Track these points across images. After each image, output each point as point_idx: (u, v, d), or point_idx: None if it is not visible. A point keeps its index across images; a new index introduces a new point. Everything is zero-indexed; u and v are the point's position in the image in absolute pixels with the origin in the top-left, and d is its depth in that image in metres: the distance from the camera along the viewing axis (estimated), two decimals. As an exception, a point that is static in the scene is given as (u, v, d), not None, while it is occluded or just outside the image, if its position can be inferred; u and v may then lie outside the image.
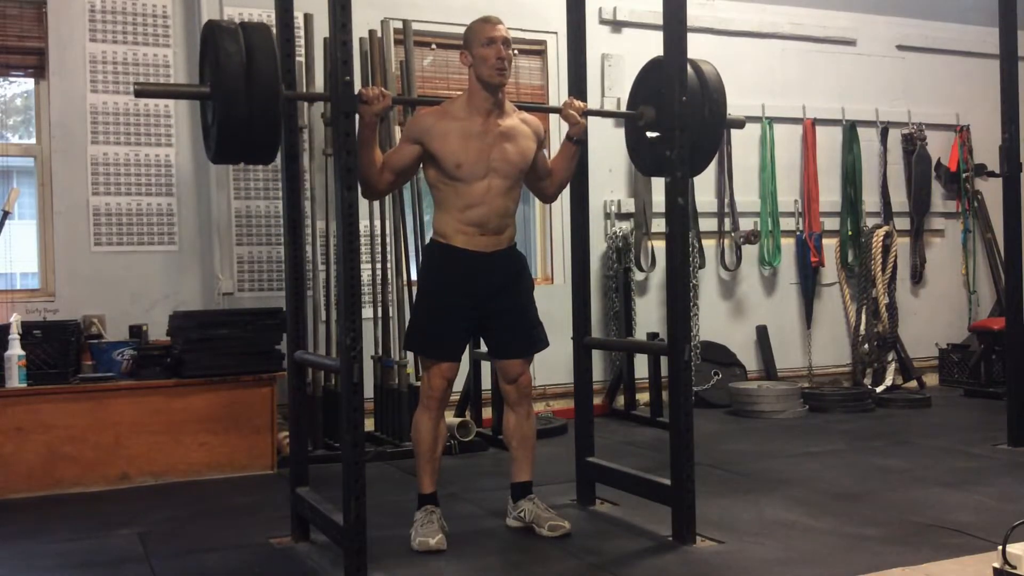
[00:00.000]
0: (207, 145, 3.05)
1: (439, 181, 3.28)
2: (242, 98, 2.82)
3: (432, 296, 3.35)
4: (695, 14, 4.75)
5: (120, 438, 4.33)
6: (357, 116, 2.94)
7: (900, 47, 7.13)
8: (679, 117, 3.28)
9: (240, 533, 3.53)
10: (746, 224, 6.52)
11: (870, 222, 6.90)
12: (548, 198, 3.65)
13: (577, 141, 3.48)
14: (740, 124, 4.08)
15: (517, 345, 3.41)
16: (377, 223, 5.09)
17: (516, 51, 3.27)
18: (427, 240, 3.55)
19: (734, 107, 6.43)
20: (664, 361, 3.56)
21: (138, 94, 3.00)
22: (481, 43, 3.22)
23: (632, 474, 3.64)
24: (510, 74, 3.29)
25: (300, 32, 4.85)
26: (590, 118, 3.61)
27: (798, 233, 6.73)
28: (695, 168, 3.60)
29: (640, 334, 5.93)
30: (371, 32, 5.14)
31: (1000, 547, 2.54)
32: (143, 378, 4.47)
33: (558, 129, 5.90)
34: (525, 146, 3.35)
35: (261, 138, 2.91)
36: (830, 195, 6.84)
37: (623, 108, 6.11)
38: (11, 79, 5.27)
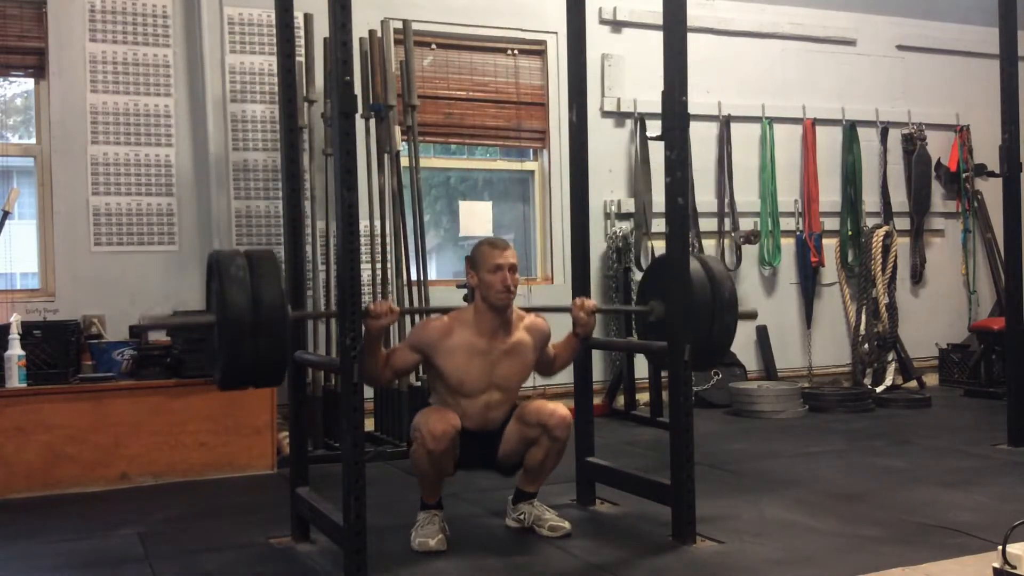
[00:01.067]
0: (214, 371, 3.02)
1: (439, 387, 3.34)
2: (247, 327, 2.80)
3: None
4: (695, 14, 4.74)
5: (120, 438, 4.33)
6: (364, 328, 2.93)
7: (900, 47, 7.14)
8: (680, 117, 3.27)
9: (240, 533, 3.53)
10: (746, 224, 6.52)
11: (870, 222, 6.90)
12: (546, 376, 3.69)
13: (584, 338, 3.53)
14: (753, 316, 4.09)
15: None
16: (377, 223, 5.09)
17: (516, 273, 3.31)
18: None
19: (734, 107, 6.53)
20: (664, 361, 3.56)
21: (144, 328, 3.00)
22: (488, 269, 3.25)
23: (632, 474, 3.64)
24: (515, 295, 3.31)
25: (300, 32, 4.85)
26: (590, 119, 3.60)
27: (798, 233, 6.73)
28: (701, 368, 3.61)
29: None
30: (371, 32, 5.14)
31: (1000, 547, 2.54)
32: (143, 378, 4.47)
33: (558, 130, 5.92)
34: (528, 360, 3.40)
35: (268, 364, 2.89)
36: (830, 195, 6.84)
37: (622, 107, 6.19)
38: (11, 79, 5.26)
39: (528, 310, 3.48)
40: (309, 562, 3.16)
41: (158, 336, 4.78)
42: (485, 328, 3.30)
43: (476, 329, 3.30)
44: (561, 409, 3.31)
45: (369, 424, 4.78)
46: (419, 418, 3.22)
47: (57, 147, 4.93)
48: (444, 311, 3.42)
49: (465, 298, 3.47)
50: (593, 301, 3.51)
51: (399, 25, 5.27)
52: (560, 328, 3.54)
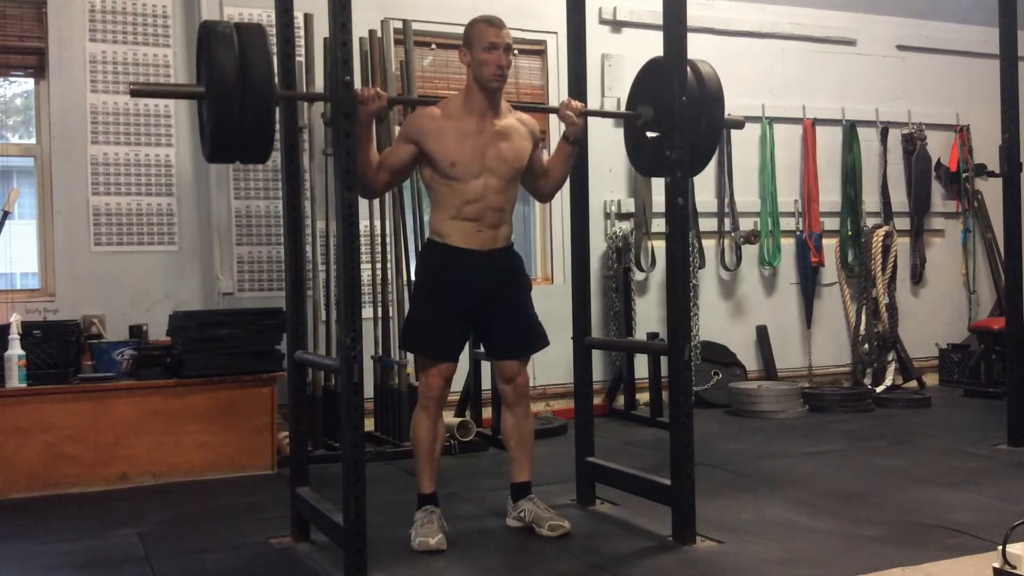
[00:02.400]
0: (203, 144, 3.06)
1: (435, 180, 3.29)
2: (235, 98, 2.81)
3: (429, 295, 3.35)
4: (695, 14, 4.73)
5: (120, 438, 4.33)
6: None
7: (900, 47, 7.13)
8: (679, 117, 3.27)
9: (240, 533, 3.53)
10: (746, 224, 6.52)
11: (870, 222, 6.90)
12: (544, 197, 3.66)
13: (574, 141, 3.47)
14: (740, 124, 4.08)
15: (514, 345, 3.41)
16: (377, 223, 5.09)
17: (516, 52, 3.26)
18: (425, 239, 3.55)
19: (734, 107, 6.44)
20: (664, 361, 3.56)
21: (134, 94, 3.01)
22: (483, 47, 3.22)
23: (632, 474, 3.64)
24: (508, 77, 3.29)
25: (300, 32, 4.85)
26: (590, 119, 3.60)
27: (798, 233, 6.73)
28: (694, 169, 3.60)
29: (640, 334, 5.93)
30: (371, 32, 5.14)
31: (1000, 547, 2.54)
32: (143, 378, 4.47)
33: (557, 130, 5.91)
34: (521, 145, 3.36)
35: (255, 136, 2.90)
36: (830, 195, 6.84)
37: (623, 108, 6.16)
38: (11, 79, 5.27)
39: (516, 107, 3.47)
40: (309, 562, 3.16)
41: (158, 336, 4.78)
42: (475, 107, 3.27)
43: (466, 108, 3.27)
44: (520, 377, 3.39)
45: (369, 424, 4.78)
46: (420, 362, 3.35)
47: (57, 147, 4.93)
48: (433, 102, 3.39)
49: None
50: (580, 103, 3.48)
51: (399, 25, 5.27)
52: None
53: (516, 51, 3.30)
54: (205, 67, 2.87)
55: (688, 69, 3.41)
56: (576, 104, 3.44)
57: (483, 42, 3.22)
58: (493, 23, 3.28)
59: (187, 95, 3.52)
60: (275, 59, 3.17)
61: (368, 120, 3.10)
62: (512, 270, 3.41)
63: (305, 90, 4.97)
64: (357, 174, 2.90)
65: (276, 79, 2.97)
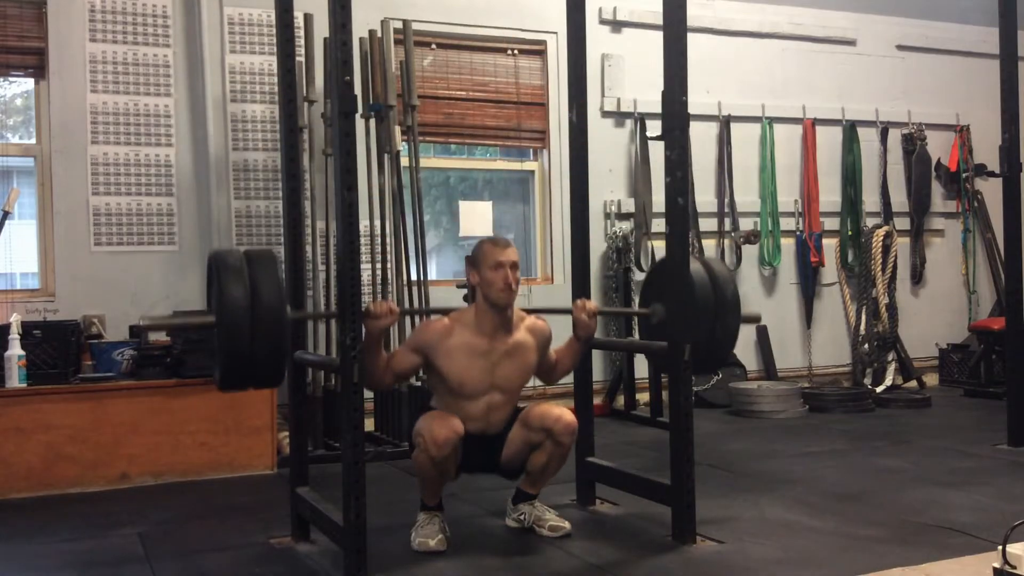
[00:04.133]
0: (214, 371, 3.02)
1: (440, 389, 3.34)
2: (246, 329, 2.78)
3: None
4: (695, 14, 4.74)
5: (120, 438, 4.33)
6: (364, 329, 2.94)
7: (900, 47, 7.14)
8: (679, 118, 3.27)
9: (240, 533, 3.53)
10: (746, 224, 6.52)
11: (870, 222, 6.90)
12: (550, 383, 3.69)
13: (585, 341, 3.52)
14: (756, 320, 4.07)
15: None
16: (377, 223, 5.09)
17: (517, 271, 3.29)
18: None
19: (734, 107, 6.53)
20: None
21: (145, 329, 3.00)
22: (489, 266, 3.24)
23: (632, 474, 3.64)
24: (517, 294, 3.29)
25: (300, 32, 4.85)
26: (591, 114, 3.58)
27: (798, 233, 6.73)
28: (706, 370, 3.60)
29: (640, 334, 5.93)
30: (371, 32, 5.14)
31: (1000, 547, 2.54)
32: (143, 378, 4.47)
33: (558, 130, 5.91)
34: (529, 361, 3.38)
35: (266, 366, 2.88)
36: (830, 195, 6.84)
37: (622, 107, 6.19)
38: (11, 79, 5.26)
39: (529, 311, 3.47)
40: (309, 562, 3.16)
41: (158, 336, 4.78)
42: (486, 328, 3.28)
43: (477, 329, 3.28)
44: (567, 415, 3.30)
45: (369, 424, 4.78)
46: (421, 423, 3.21)
47: (57, 147, 4.93)
48: (445, 312, 3.41)
49: (465, 298, 3.46)
50: (595, 303, 3.49)
51: (399, 25, 5.27)
52: (561, 331, 3.53)
53: (517, 267, 3.30)
54: (215, 297, 2.86)
55: (702, 270, 3.43)
56: (591, 306, 3.44)
57: (489, 261, 3.24)
58: (497, 243, 3.31)
59: (199, 326, 3.50)
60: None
61: (379, 335, 3.12)
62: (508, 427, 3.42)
63: (305, 90, 4.98)
64: (364, 376, 2.89)
65: (287, 305, 2.95)
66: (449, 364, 3.25)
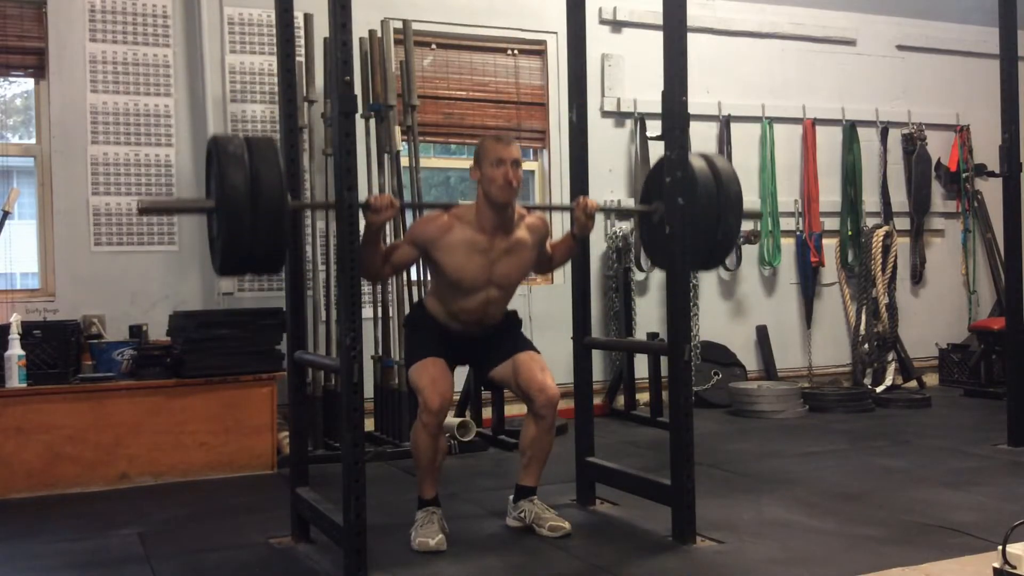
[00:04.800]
0: (213, 257, 3.02)
1: (438, 279, 3.36)
2: (247, 212, 2.79)
3: (420, 333, 3.42)
4: (695, 14, 4.74)
5: (120, 438, 4.33)
6: (364, 222, 2.98)
7: (900, 47, 7.14)
8: (679, 118, 3.27)
9: (240, 533, 3.53)
10: (746, 224, 6.51)
11: (870, 222, 6.90)
12: (542, 273, 3.71)
13: (581, 240, 3.55)
14: (757, 216, 4.00)
15: (516, 345, 3.43)
16: (377, 223, 5.08)
17: (521, 168, 3.31)
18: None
19: (734, 107, 6.52)
20: (664, 361, 3.56)
21: (142, 212, 3.01)
22: (491, 162, 3.24)
23: (632, 474, 3.64)
24: (518, 192, 3.30)
25: (300, 32, 4.85)
26: (591, 114, 3.58)
27: (798, 233, 6.73)
28: (708, 267, 3.60)
29: (640, 334, 5.93)
30: (371, 32, 5.14)
31: (1000, 547, 2.54)
32: (143, 378, 4.47)
33: (558, 129, 5.91)
34: (527, 258, 3.41)
35: (266, 251, 2.88)
36: (830, 195, 6.84)
37: (622, 107, 6.19)
38: (11, 79, 5.27)
39: (529, 208, 3.47)
40: (309, 562, 3.16)
41: (158, 336, 4.78)
42: (486, 225, 3.29)
43: (477, 226, 3.29)
44: (549, 389, 3.32)
45: (369, 424, 4.78)
46: (418, 376, 3.25)
47: (57, 147, 4.93)
48: (446, 207, 3.40)
49: None
50: (595, 202, 3.47)
51: (399, 25, 5.27)
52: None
53: (520, 161, 3.31)
54: (215, 181, 2.86)
55: (706, 166, 3.41)
56: (591, 204, 3.43)
57: (490, 158, 3.24)
58: (500, 139, 3.31)
59: (198, 210, 3.51)
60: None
61: (379, 228, 3.13)
62: (503, 321, 3.47)
63: (305, 90, 4.98)
64: (362, 268, 2.94)
65: (287, 192, 2.96)
66: (448, 259, 3.26)
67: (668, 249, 3.32)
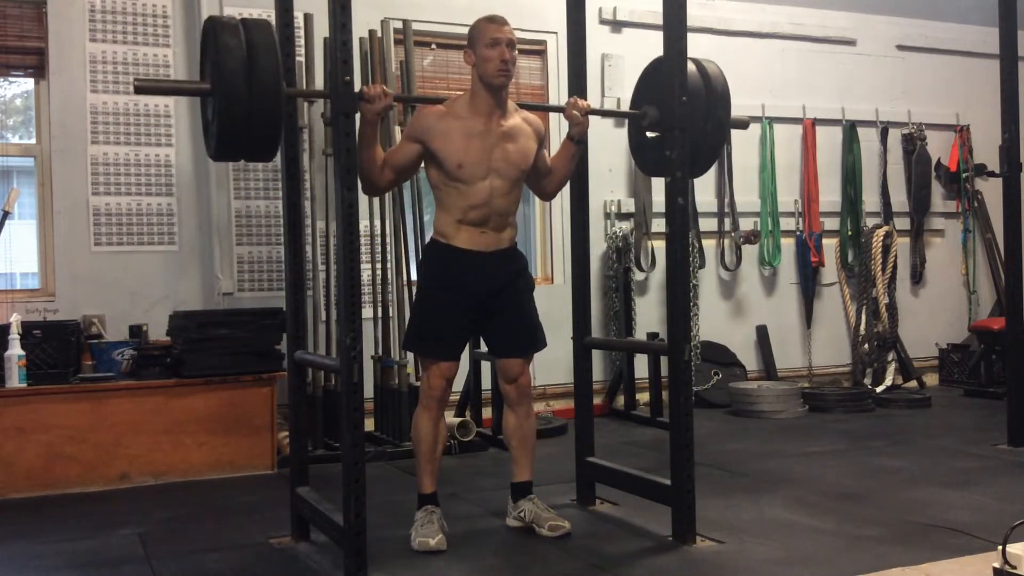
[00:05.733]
0: (207, 142, 3.05)
1: (440, 181, 3.29)
2: (243, 94, 2.81)
3: (431, 295, 3.35)
4: (695, 14, 4.74)
5: (120, 438, 4.33)
6: (358, 114, 2.94)
7: (900, 47, 7.14)
8: (679, 117, 3.27)
9: (240, 533, 3.53)
10: (746, 224, 6.52)
11: (870, 222, 6.90)
12: (547, 196, 3.64)
13: (579, 141, 3.47)
14: (744, 125, 4.01)
15: (517, 344, 3.41)
16: (377, 223, 5.09)
17: (518, 52, 3.26)
18: (427, 239, 3.55)
19: (734, 107, 6.45)
20: (664, 361, 3.56)
21: (138, 90, 2.99)
22: (485, 43, 3.21)
23: (632, 474, 3.64)
24: (513, 75, 3.28)
25: (300, 32, 4.85)
26: (593, 119, 3.59)
27: (798, 233, 6.73)
28: (698, 169, 3.61)
29: (640, 334, 5.93)
30: (371, 32, 5.14)
31: (1000, 547, 2.54)
32: (143, 378, 4.47)
33: (559, 128, 5.91)
34: (527, 146, 3.34)
35: (262, 134, 2.89)
36: (830, 195, 6.84)
37: (622, 107, 6.17)
38: (11, 79, 5.26)
39: (521, 106, 3.46)
40: (309, 562, 3.16)
41: (158, 336, 4.78)
42: (481, 108, 3.25)
43: (472, 109, 3.26)
44: (523, 379, 3.40)
45: (369, 424, 4.78)
46: (420, 356, 3.33)
47: (57, 147, 4.93)
48: (439, 101, 3.38)
49: None
50: (587, 101, 3.45)
51: (399, 25, 5.27)
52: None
53: (518, 50, 3.27)
54: (211, 63, 2.86)
55: (694, 68, 3.41)
56: (582, 103, 3.41)
57: (485, 39, 3.21)
58: (495, 20, 3.27)
59: (193, 92, 3.51)
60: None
61: (374, 119, 3.09)
62: (516, 270, 3.40)
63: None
64: (360, 171, 2.90)
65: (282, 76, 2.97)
66: (446, 145, 3.21)
67: (662, 159, 3.36)
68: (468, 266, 3.28)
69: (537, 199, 6.12)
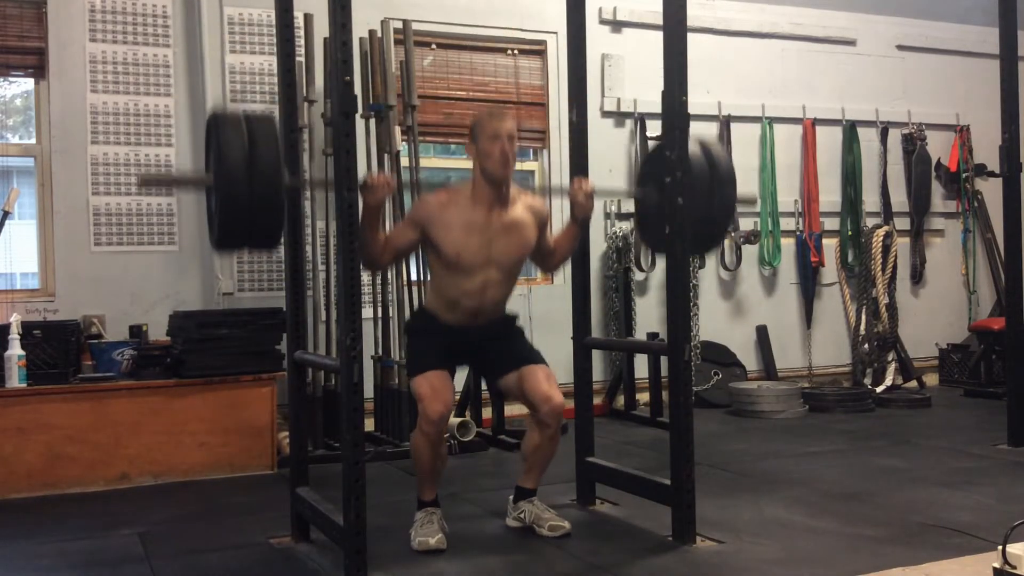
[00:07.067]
0: (211, 232, 3.04)
1: (438, 266, 3.33)
2: (244, 190, 2.81)
3: (422, 336, 3.39)
4: (695, 14, 4.74)
5: (120, 438, 4.33)
6: (362, 203, 2.96)
7: (900, 47, 7.14)
8: (679, 118, 3.27)
9: (240, 533, 3.53)
10: (746, 224, 6.52)
11: (870, 222, 6.90)
12: (548, 271, 3.67)
13: (582, 223, 3.51)
14: (752, 200, 3.99)
15: (524, 356, 3.39)
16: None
17: (515, 143, 3.29)
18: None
19: (734, 107, 6.52)
20: (664, 361, 3.56)
21: (142, 184, 3.02)
22: (487, 137, 3.22)
23: (632, 474, 3.64)
24: (514, 167, 3.29)
25: (300, 32, 4.85)
26: (592, 117, 3.59)
27: (798, 233, 6.73)
28: (707, 248, 3.60)
29: (640, 334, 5.93)
30: (371, 32, 5.14)
31: (1000, 547, 2.54)
32: (143, 378, 4.47)
33: (559, 131, 5.91)
34: (527, 237, 3.36)
35: (264, 225, 2.90)
36: (830, 195, 6.84)
37: (622, 107, 6.19)
38: (11, 79, 5.26)
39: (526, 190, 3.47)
40: (309, 562, 3.16)
41: (158, 336, 4.78)
42: (483, 201, 3.26)
43: (473, 201, 3.27)
44: (556, 398, 3.26)
45: (369, 424, 4.78)
46: (419, 385, 3.22)
47: (57, 147, 4.93)
48: (442, 185, 3.40)
49: None
50: (592, 183, 3.46)
51: (399, 25, 5.27)
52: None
53: (518, 138, 3.32)
54: (214, 157, 2.87)
55: (698, 148, 3.41)
56: (588, 186, 3.42)
57: (486, 133, 3.23)
58: (494, 115, 3.31)
59: (196, 184, 3.50)
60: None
61: (377, 205, 3.11)
62: (504, 323, 3.44)
63: (305, 90, 4.97)
64: (362, 252, 2.97)
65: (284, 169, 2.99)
66: (446, 236, 3.23)
67: (665, 236, 3.32)
68: (457, 332, 3.34)
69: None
